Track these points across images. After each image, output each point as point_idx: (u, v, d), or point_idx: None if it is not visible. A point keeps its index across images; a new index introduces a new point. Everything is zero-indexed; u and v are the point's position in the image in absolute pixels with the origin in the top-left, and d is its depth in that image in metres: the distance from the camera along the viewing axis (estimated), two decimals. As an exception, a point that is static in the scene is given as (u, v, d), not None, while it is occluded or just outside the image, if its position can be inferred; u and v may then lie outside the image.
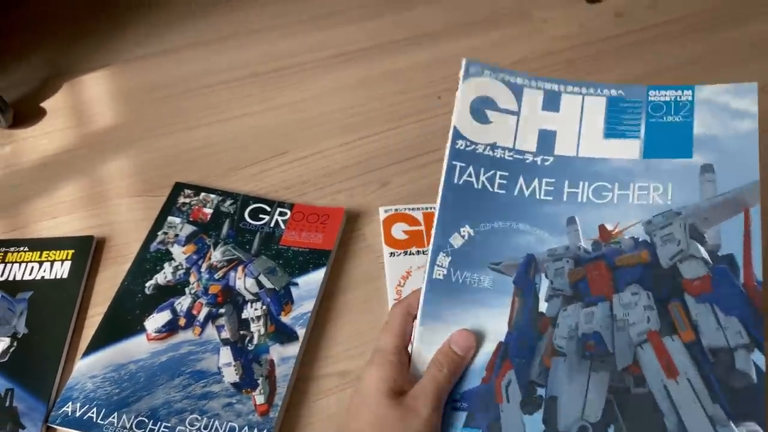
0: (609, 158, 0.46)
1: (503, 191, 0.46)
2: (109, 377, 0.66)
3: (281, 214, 0.80)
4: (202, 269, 0.75)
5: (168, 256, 0.76)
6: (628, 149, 0.46)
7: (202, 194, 0.82)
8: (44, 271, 0.74)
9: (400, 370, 0.42)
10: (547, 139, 0.47)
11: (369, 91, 0.97)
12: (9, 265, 0.74)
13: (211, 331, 0.70)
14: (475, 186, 0.45)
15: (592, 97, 0.49)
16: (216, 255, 0.76)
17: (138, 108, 0.94)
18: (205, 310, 0.71)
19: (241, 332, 0.69)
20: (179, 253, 0.76)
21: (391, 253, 0.75)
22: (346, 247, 0.78)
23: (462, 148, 0.46)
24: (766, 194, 0.45)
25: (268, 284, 0.73)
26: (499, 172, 0.46)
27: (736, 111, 0.46)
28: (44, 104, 0.94)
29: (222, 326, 0.70)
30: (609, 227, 0.44)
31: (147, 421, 0.62)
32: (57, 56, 1.01)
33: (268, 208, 0.80)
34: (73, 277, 0.74)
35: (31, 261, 0.75)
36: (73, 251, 0.75)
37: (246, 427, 0.62)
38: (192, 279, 0.74)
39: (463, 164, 0.46)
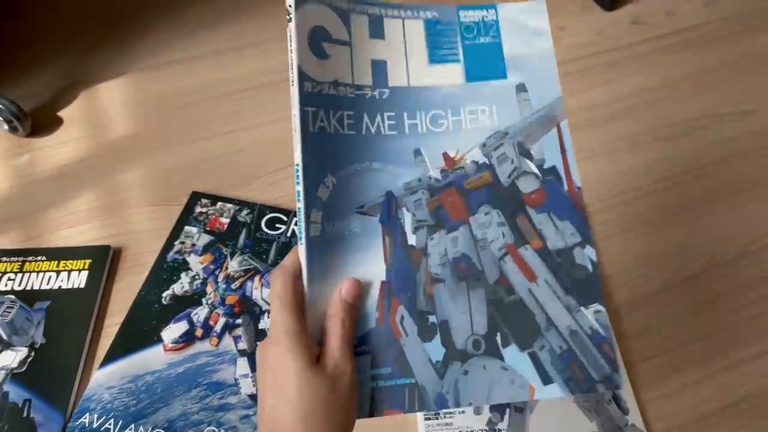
0: (438, 85, 0.48)
1: (353, 132, 0.45)
2: (126, 388, 0.65)
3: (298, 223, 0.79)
4: (219, 279, 0.74)
5: (185, 266, 0.75)
6: (452, 74, 0.48)
7: (219, 204, 0.81)
8: (62, 281, 0.74)
9: (309, 340, 0.40)
10: (379, 70, 0.47)
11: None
12: (27, 275, 0.74)
13: (228, 341, 0.69)
14: (329, 130, 0.43)
15: (411, 20, 0.48)
16: (233, 265, 0.75)
17: (154, 117, 0.94)
18: (222, 321, 0.71)
19: (258, 343, 0.69)
20: (196, 263, 0.76)
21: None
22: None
23: (309, 90, 0.43)
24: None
25: (285, 294, 0.72)
26: (345, 112, 0.45)
27: (534, 29, 0.48)
28: (61, 113, 0.95)
29: (239, 337, 0.69)
30: (451, 154, 0.46)
31: (164, 433, 0.62)
32: (74, 65, 1.02)
33: (285, 218, 0.80)
34: (90, 286, 0.73)
35: (48, 270, 0.74)
36: (90, 261, 0.75)
37: (263, 440, 0.61)
38: (209, 289, 0.74)
39: (314, 108, 0.43)
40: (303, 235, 0.41)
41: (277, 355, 0.40)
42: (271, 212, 0.81)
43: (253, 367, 0.67)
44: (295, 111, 0.42)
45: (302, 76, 0.42)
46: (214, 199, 0.82)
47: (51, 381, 0.66)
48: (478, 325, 0.43)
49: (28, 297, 0.72)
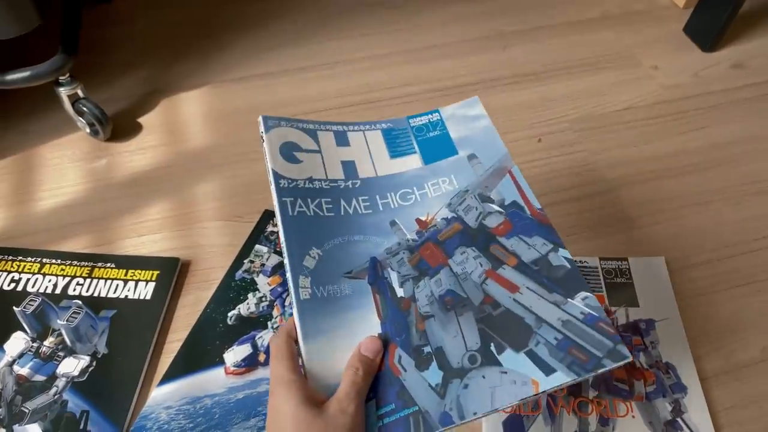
0: (401, 172, 0.58)
1: (332, 213, 0.53)
2: (184, 410, 0.63)
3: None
4: (287, 303, 0.72)
5: (252, 286, 0.73)
6: (412, 162, 0.58)
7: (290, 224, 0.79)
8: (128, 290, 0.73)
9: (305, 386, 0.43)
10: (349, 167, 0.57)
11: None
12: (95, 281, 0.73)
13: (290, 370, 0.66)
14: (309, 214, 0.52)
15: (370, 132, 0.60)
16: (300, 289, 0.73)
17: (232, 130, 0.94)
18: (285, 348, 0.68)
19: (322, 375, 0.66)
20: (264, 284, 0.74)
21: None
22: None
23: (285, 186, 0.53)
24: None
25: (352, 326, 0.69)
26: (323, 200, 0.53)
27: (473, 116, 0.61)
28: (141, 119, 0.95)
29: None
30: (423, 218, 0.54)
31: (219, 461, 0.59)
32: (157, 73, 1.03)
33: (357, 245, 0.77)
34: (157, 298, 0.72)
35: (116, 279, 0.74)
36: (158, 272, 0.74)
37: (322, 482, 0.58)
38: (275, 312, 0.71)
39: (292, 198, 0.52)
40: (294, 299, 0.47)
41: (273, 404, 0.43)
42: (342, 238, 0.78)
43: (314, 400, 0.64)
44: (275, 202, 0.51)
45: (276, 176, 0.53)
46: (286, 219, 0.80)
47: (110, 394, 0.64)
48: (471, 342, 0.46)
49: (94, 304, 0.71)
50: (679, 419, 0.62)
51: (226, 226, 0.81)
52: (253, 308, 0.71)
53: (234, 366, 0.66)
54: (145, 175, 0.87)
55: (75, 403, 0.63)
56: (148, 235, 0.80)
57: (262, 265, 0.75)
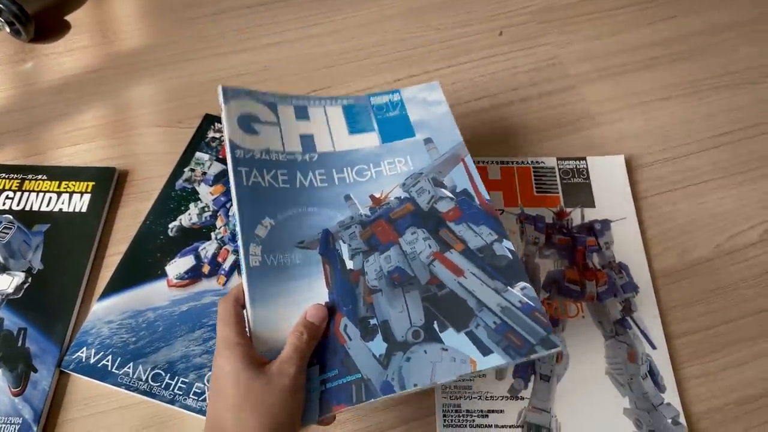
0: (359, 148, 0.59)
1: (287, 185, 0.54)
2: (126, 324, 0.61)
3: (318, 157, 0.72)
4: (230, 213, 0.69)
5: (194, 196, 0.70)
6: (370, 140, 0.59)
7: (233, 129, 0.75)
8: (62, 203, 0.69)
9: (249, 349, 0.44)
10: (308, 141, 0.58)
11: (424, 20, 0.87)
12: (26, 194, 0.69)
13: (236, 281, 0.64)
14: (263, 185, 0.53)
15: (331, 107, 0.61)
16: (245, 198, 0.69)
17: (168, 28, 0.86)
18: (231, 258, 0.66)
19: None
20: (206, 194, 0.70)
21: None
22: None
23: (241, 156, 0.53)
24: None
25: (299, 234, 0.67)
26: (279, 171, 0.54)
27: (432, 101, 0.62)
28: (69, 17, 0.87)
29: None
30: (377, 195, 0.56)
31: (164, 374, 0.58)
32: (84, -36, 0.93)
33: (304, 150, 0.73)
34: (93, 211, 0.68)
35: (49, 191, 0.69)
36: (93, 183, 0.70)
37: (268, 390, 0.57)
38: (219, 223, 0.68)
39: (247, 168, 0.53)
40: (243, 265, 0.48)
41: (218, 364, 0.44)
42: (289, 142, 0.74)
43: (261, 310, 0.62)
44: (230, 170, 0.52)
45: (233, 145, 0.53)
46: (229, 123, 0.75)
47: (48, 310, 0.62)
48: (415, 319, 0.48)
49: (26, 218, 0.67)
50: (628, 318, 0.62)
51: (165, 133, 0.76)
52: (195, 219, 0.68)
53: (177, 278, 0.64)
54: (75, 79, 0.81)
55: (11, 321, 0.61)
56: (81, 144, 0.75)
57: (204, 173, 0.71)
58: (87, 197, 0.69)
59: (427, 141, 0.59)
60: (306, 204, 0.54)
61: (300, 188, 0.54)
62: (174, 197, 0.70)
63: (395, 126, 0.61)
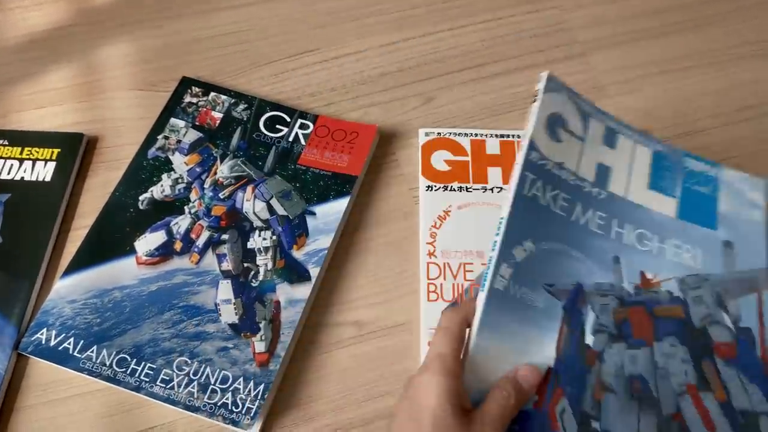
0: (651, 209, 0.50)
1: (564, 213, 0.48)
2: (91, 304, 0.57)
3: (302, 126, 0.67)
4: (206, 185, 0.64)
5: (167, 166, 0.65)
6: (666, 205, 0.51)
7: (212, 94, 0.69)
8: (24, 171, 0.64)
9: (459, 383, 0.40)
10: (603, 173, 0.50)
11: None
12: (-16, 160, 0.64)
13: (210, 260, 0.60)
14: (541, 202, 0.47)
15: (641, 146, 0.52)
16: (223, 170, 0.64)
17: (145, -19, 0.80)
18: (205, 235, 0.61)
19: (245, 265, 0.59)
20: (180, 164, 0.65)
21: (429, 187, 0.63)
22: (376, 174, 0.66)
23: (535, 161, 0.47)
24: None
25: (280, 210, 0.62)
26: (562, 194, 0.48)
27: (751, 200, 0.52)
28: (38, -32, 0.81)
29: (224, 255, 0.60)
30: (648, 276, 0.48)
31: (129, 359, 0.54)
32: None
33: (288, 118, 0.68)
34: (58, 180, 0.63)
35: (10, 158, 0.64)
36: (59, 150, 0.65)
37: (241, 379, 0.53)
38: (193, 196, 0.63)
39: (534, 177, 0.47)
40: (487, 284, 0.43)
41: (423, 383, 0.40)
42: (272, 110, 0.68)
43: (236, 292, 0.58)
44: (516, 172, 0.46)
45: (531, 146, 0.47)
46: (207, 88, 0.70)
47: (5, 288, 0.58)
48: None
49: (-16, 187, 0.63)
50: None
51: (138, 96, 0.70)
52: (167, 191, 0.63)
53: (146, 255, 0.60)
54: (42, 36, 0.75)
55: (-34, 298, 0.57)
56: (47, 107, 0.70)
57: (179, 141, 0.66)
58: (52, 165, 0.64)
59: (727, 244, 0.50)
60: (573, 244, 0.47)
61: (574, 223, 0.48)
62: (146, 167, 0.64)
63: (699, 205, 0.51)
